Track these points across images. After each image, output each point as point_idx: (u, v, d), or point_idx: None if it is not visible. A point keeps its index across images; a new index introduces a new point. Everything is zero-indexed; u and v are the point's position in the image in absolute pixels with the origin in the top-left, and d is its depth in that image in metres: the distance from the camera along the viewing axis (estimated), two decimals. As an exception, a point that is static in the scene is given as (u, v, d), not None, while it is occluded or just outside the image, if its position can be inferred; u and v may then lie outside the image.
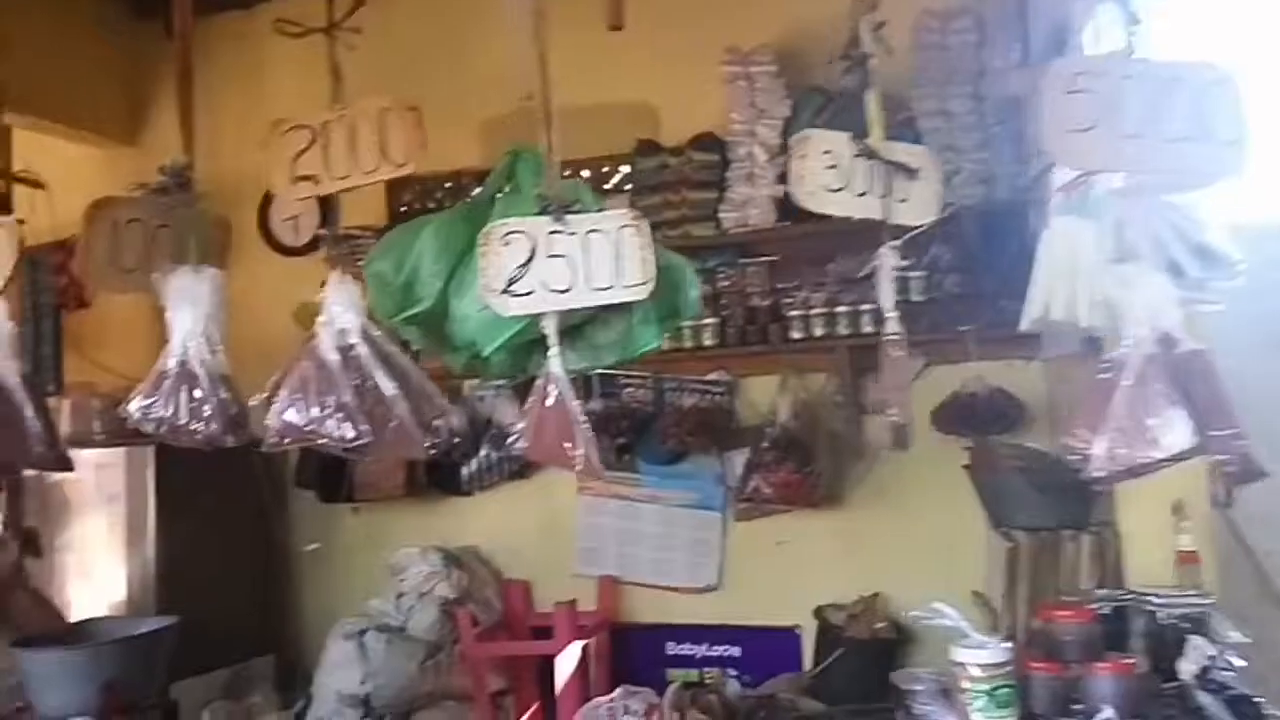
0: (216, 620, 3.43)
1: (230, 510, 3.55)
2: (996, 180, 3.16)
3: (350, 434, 1.54)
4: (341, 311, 1.70)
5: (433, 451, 1.74)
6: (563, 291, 1.59)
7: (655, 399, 3.52)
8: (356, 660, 3.12)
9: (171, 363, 1.74)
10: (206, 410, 1.70)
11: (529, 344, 1.68)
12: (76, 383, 3.75)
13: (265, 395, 1.64)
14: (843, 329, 3.21)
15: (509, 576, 3.69)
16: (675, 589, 3.53)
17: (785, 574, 3.41)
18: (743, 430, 3.43)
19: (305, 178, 1.76)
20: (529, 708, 3.42)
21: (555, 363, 1.61)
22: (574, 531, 3.67)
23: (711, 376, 3.48)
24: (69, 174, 3.40)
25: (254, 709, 3.25)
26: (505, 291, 1.57)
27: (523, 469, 3.68)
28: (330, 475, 3.61)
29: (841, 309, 3.21)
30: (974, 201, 3.13)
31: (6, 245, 1.89)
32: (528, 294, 1.58)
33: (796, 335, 3.25)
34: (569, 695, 3.12)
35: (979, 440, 2.80)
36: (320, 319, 1.70)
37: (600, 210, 1.71)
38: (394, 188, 3.93)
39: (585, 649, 3.21)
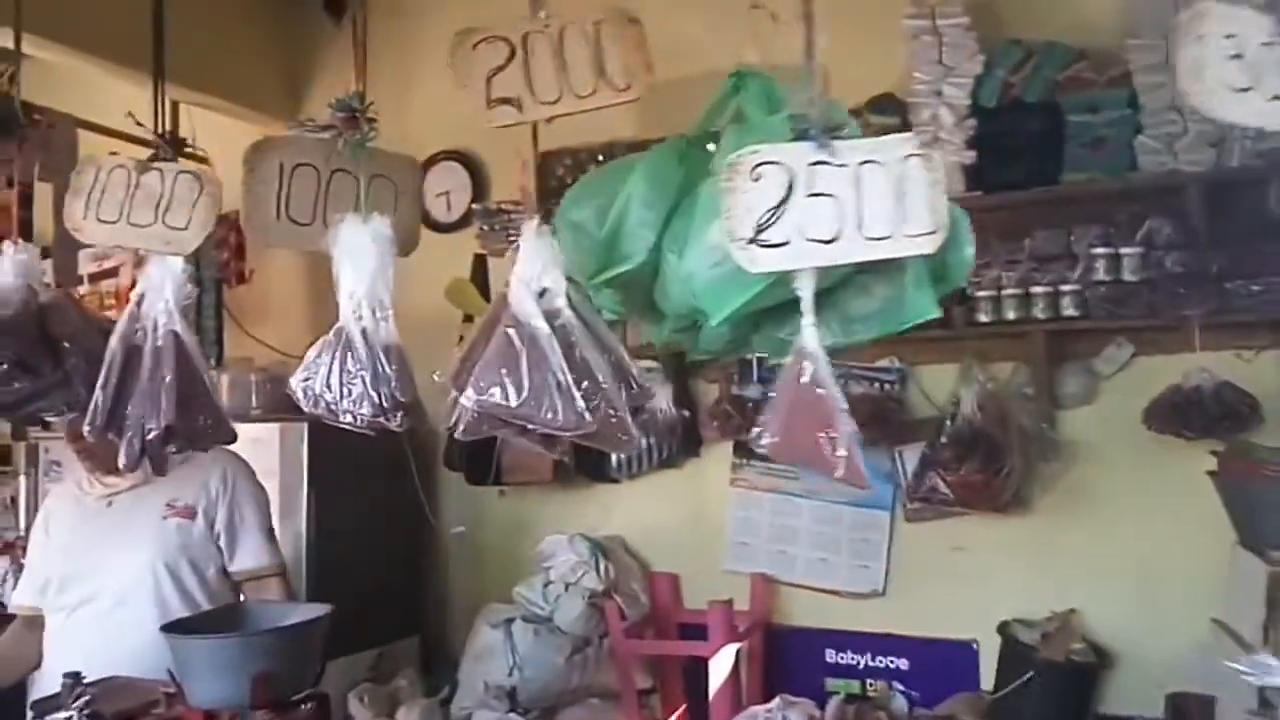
0: (364, 600, 3.39)
1: (379, 489, 3.51)
2: (1229, 143, 2.75)
3: (571, 420, 1.26)
4: (542, 269, 1.37)
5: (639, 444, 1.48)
6: (827, 242, 1.23)
7: (819, 386, 3.26)
8: (504, 650, 3.02)
9: (333, 331, 1.50)
10: (357, 387, 1.50)
11: (753, 315, 1.42)
12: (235, 357, 3.79)
13: (453, 371, 1.40)
14: (1039, 312, 2.86)
15: (656, 569, 3.52)
16: (836, 592, 3.27)
17: (961, 583, 3.09)
18: (916, 423, 3.13)
19: (505, 100, 1.42)
20: (675, 708, 3.24)
21: (811, 336, 1.25)
22: (725, 525, 3.46)
23: (882, 363, 3.19)
24: (229, 150, 3.40)
25: (399, 693, 3.18)
26: (754, 241, 1.23)
27: (672, 457, 3.50)
28: (478, 457, 3.52)
29: (1038, 290, 2.86)
30: (1202, 168, 2.74)
31: (206, 198, 1.66)
32: (782, 245, 1.23)
33: (984, 319, 2.92)
34: (722, 700, 2.92)
35: (1234, 443, 2.40)
36: (513, 277, 1.37)
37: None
38: (545, 160, 3.81)
39: (738, 652, 3.00)
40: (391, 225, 1.53)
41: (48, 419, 1.85)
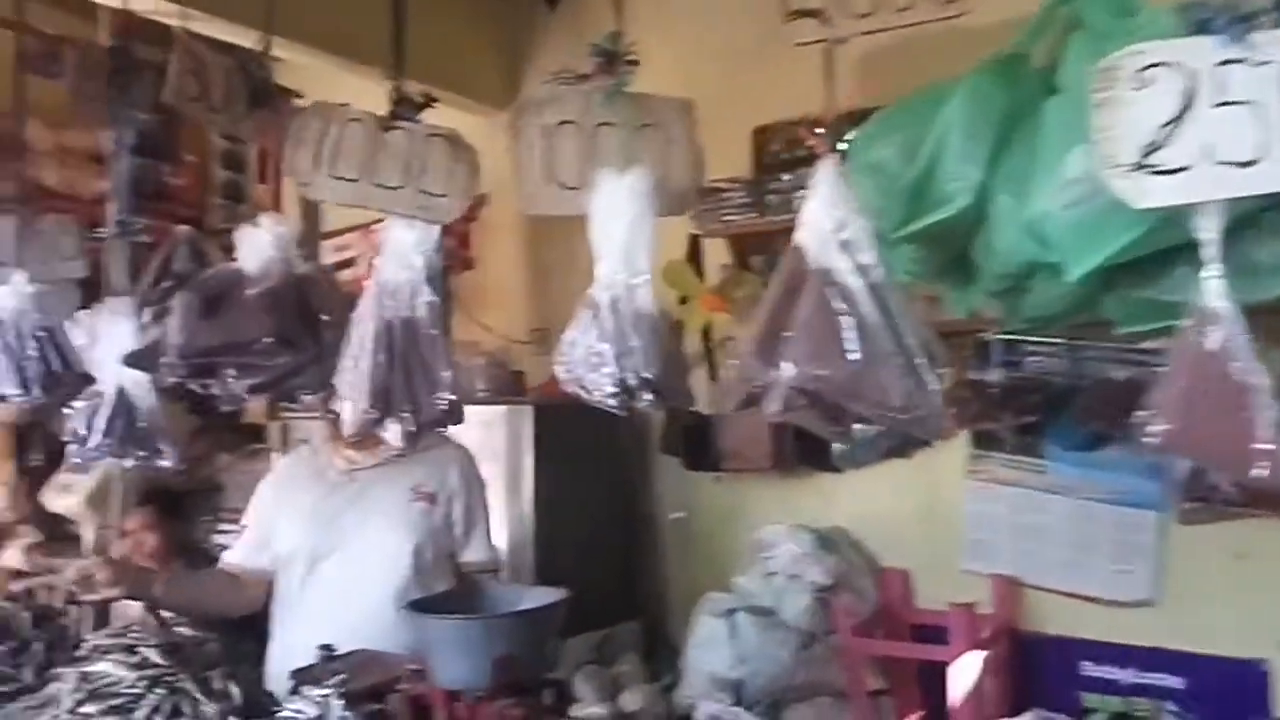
0: (587, 582, 3.39)
1: (599, 472, 3.52)
2: None
3: (900, 399, 1.02)
4: (844, 218, 1.13)
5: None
6: (1244, 165, 0.96)
7: (1071, 370, 2.94)
8: (727, 641, 2.93)
9: (585, 300, 1.35)
10: (603, 361, 1.29)
11: (1108, 269, 1.20)
12: (461, 341, 3.90)
13: (756, 340, 1.16)
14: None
15: (882, 564, 3.32)
16: (1094, 599, 2.95)
17: (1246, 594, 2.70)
18: (1192, 412, 2.76)
19: (807, 13, 1.22)
20: (909, 713, 3.04)
21: (1219, 292, 0.99)
22: (960, 520, 3.20)
23: (1150, 344, 2.83)
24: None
25: (622, 677, 3.16)
26: (1141, 167, 0.98)
27: (902, 446, 3.27)
28: (695, 442, 3.45)
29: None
30: None
31: (465, 165, 1.54)
32: (1181, 170, 0.97)
33: (1281, 292, 2.51)
34: (965, 712, 2.70)
35: None
36: (805, 227, 1.15)
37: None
38: (759, 136, 3.68)
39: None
40: (661, 178, 1.38)
41: (305, 396, 1.85)
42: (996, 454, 3.13)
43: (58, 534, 3.66)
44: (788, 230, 1.26)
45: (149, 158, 3.19)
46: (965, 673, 2.70)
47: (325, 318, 1.52)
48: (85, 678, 1.48)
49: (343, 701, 1.28)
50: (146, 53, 2.11)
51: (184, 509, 3.57)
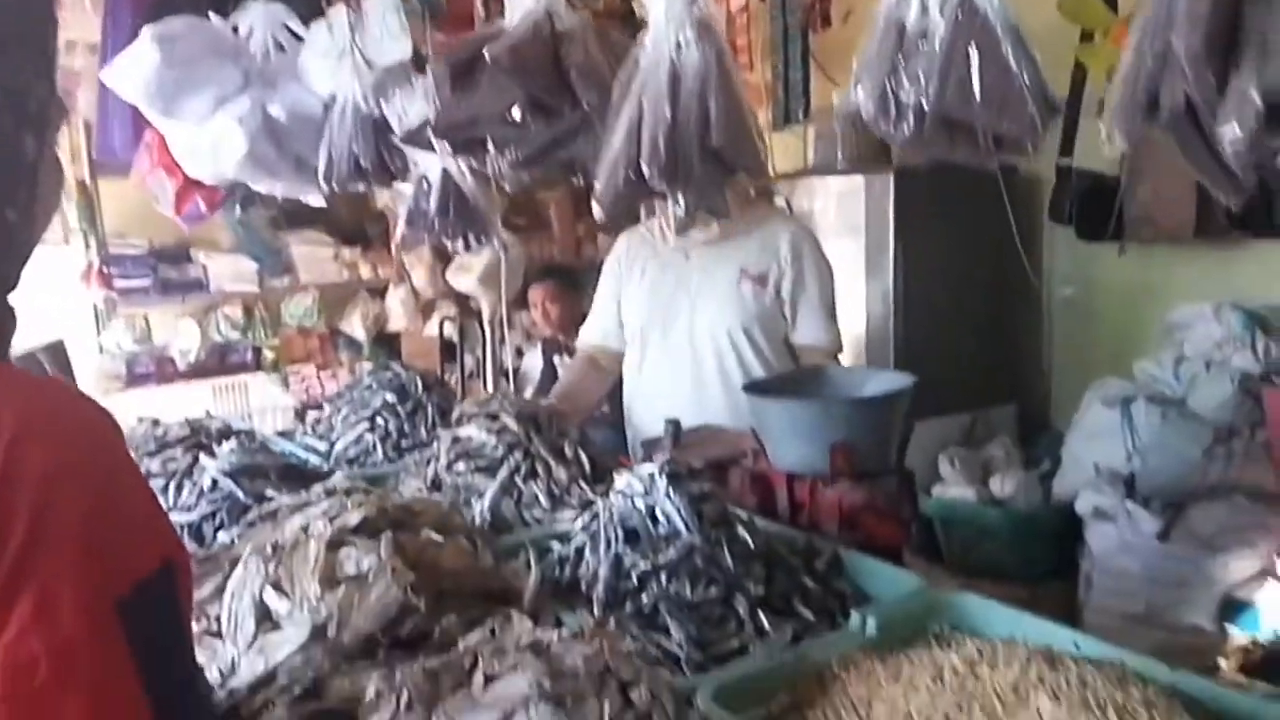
0: (956, 361, 3.20)
1: (972, 243, 3.19)
2: None
3: None
4: None
5: None
6: None
7: None
8: (1120, 432, 2.59)
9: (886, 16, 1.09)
10: (883, 101, 1.07)
11: None
12: (821, 108, 3.65)
13: (1197, 35, 0.81)
14: None
15: (1341, 349, 2.68)
16: None
17: None
18: None
19: None
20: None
21: None
22: None
23: None
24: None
25: (993, 461, 2.98)
26: None
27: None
28: (1093, 207, 2.96)
29: None
30: None
31: None
32: None
33: None
34: None
35: None
36: None
37: None
38: None
39: None
40: None
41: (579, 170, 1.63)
42: None
43: (465, 310, 4.18)
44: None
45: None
46: None
47: (578, 77, 1.33)
48: (456, 440, 1.66)
49: (666, 481, 1.28)
50: None
51: (578, 284, 3.79)
